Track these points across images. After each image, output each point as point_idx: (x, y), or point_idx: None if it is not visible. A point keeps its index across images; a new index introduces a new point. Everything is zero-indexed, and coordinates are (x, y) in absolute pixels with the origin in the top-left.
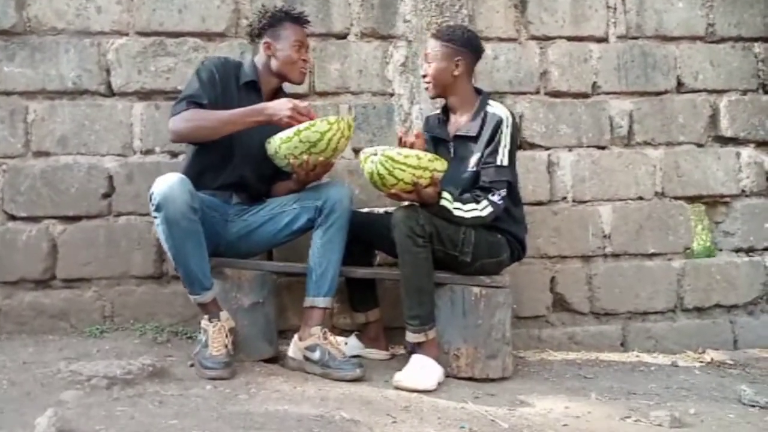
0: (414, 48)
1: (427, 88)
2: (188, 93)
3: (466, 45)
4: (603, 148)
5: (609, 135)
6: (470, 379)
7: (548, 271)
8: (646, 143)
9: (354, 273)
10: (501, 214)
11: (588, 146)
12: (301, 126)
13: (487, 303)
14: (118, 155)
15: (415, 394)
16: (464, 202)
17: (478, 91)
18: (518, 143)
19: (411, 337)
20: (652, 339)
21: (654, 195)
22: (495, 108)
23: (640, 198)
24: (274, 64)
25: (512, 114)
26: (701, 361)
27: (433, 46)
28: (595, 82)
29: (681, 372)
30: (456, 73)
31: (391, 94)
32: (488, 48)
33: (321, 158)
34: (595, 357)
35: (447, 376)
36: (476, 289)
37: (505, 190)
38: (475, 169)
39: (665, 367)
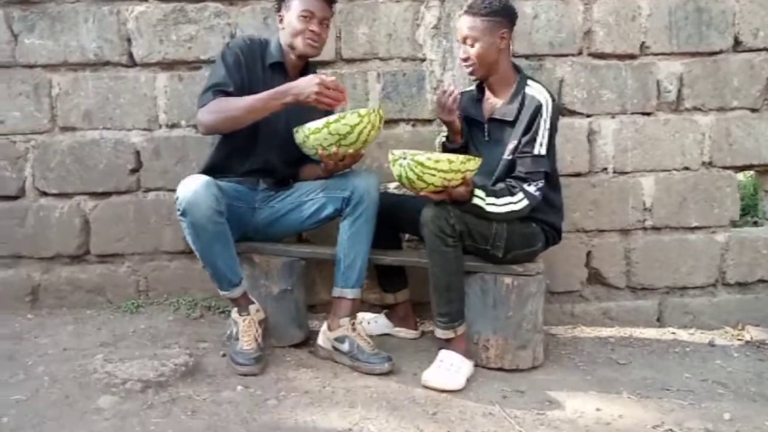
0: (447, 8)
1: (471, 72)
2: (213, 81)
3: (507, 14)
4: (648, 114)
5: (655, 100)
6: (500, 369)
7: (584, 245)
8: (696, 109)
9: (382, 260)
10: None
11: (632, 113)
12: (331, 118)
13: (518, 293)
14: (144, 129)
15: (444, 395)
16: (498, 195)
17: (516, 68)
18: (557, 127)
19: (440, 333)
20: (689, 314)
21: (701, 165)
22: (534, 90)
23: (686, 168)
24: (283, 36)
25: (552, 97)
26: (740, 339)
27: (473, 24)
28: (643, 42)
29: (717, 355)
30: (502, 46)
31: (422, 60)
32: (528, 6)
33: (350, 150)
34: (629, 334)
35: (476, 365)
36: (508, 280)
37: (542, 181)
38: (510, 156)
39: (701, 348)
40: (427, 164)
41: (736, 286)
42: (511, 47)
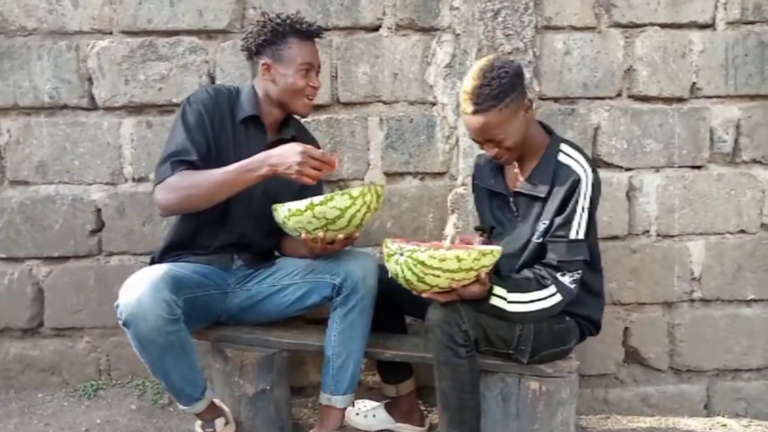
0: (463, 44)
1: (503, 163)
2: (172, 149)
3: (517, 86)
4: (699, 168)
5: (708, 151)
6: None
7: (621, 321)
8: (755, 161)
9: (382, 354)
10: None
11: (680, 166)
12: (316, 200)
13: (547, 401)
14: (107, 184)
15: None
16: (523, 290)
17: (544, 127)
18: (598, 203)
19: None
20: (742, 401)
21: (760, 227)
22: (570, 159)
23: (742, 231)
24: (273, 91)
25: (593, 168)
26: None
27: (493, 120)
28: (694, 83)
29: None
30: (529, 117)
31: (433, 104)
32: (558, 40)
33: (341, 235)
34: (672, 425)
35: None
36: (534, 385)
37: (579, 272)
38: (541, 240)
39: None
40: (430, 263)
41: None
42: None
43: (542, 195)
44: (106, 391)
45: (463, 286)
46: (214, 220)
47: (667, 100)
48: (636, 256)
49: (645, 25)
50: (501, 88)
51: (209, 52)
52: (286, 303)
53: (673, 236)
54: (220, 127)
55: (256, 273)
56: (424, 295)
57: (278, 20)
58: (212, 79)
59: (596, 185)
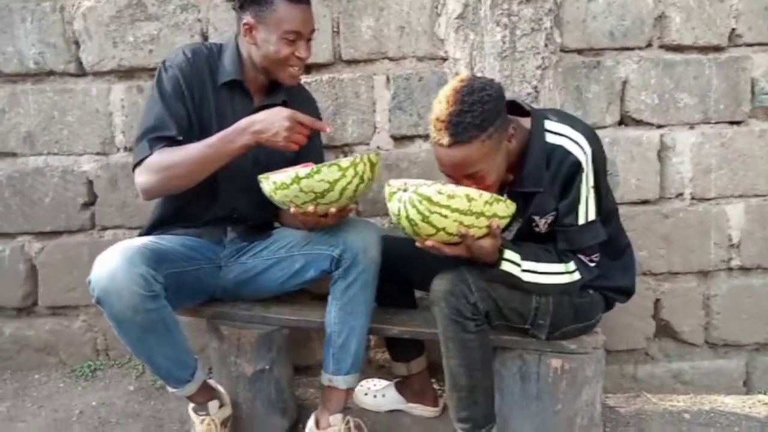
0: None
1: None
2: (148, 124)
3: (501, 111)
4: (738, 123)
5: (749, 105)
6: None
7: (651, 291)
8: None
9: (389, 330)
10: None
11: (717, 122)
12: (301, 172)
13: (571, 380)
14: (97, 154)
15: None
16: (540, 259)
17: (520, 110)
18: (605, 168)
19: None
20: None
21: None
22: (560, 137)
23: None
24: (255, 55)
25: (589, 133)
26: None
27: (472, 155)
28: (733, 30)
29: None
30: (512, 145)
31: (444, 59)
32: None
33: (333, 208)
34: (708, 405)
35: None
36: (556, 362)
37: (597, 254)
38: (546, 230)
39: None
40: (437, 200)
41: None
42: (509, 126)
43: (540, 189)
44: (103, 371)
45: (474, 238)
46: (203, 194)
47: (703, 50)
48: (668, 222)
49: None
50: (484, 115)
51: (201, 10)
52: (283, 277)
53: (709, 199)
54: (200, 93)
55: (251, 246)
56: (428, 244)
57: None
58: (205, 39)
59: (597, 152)
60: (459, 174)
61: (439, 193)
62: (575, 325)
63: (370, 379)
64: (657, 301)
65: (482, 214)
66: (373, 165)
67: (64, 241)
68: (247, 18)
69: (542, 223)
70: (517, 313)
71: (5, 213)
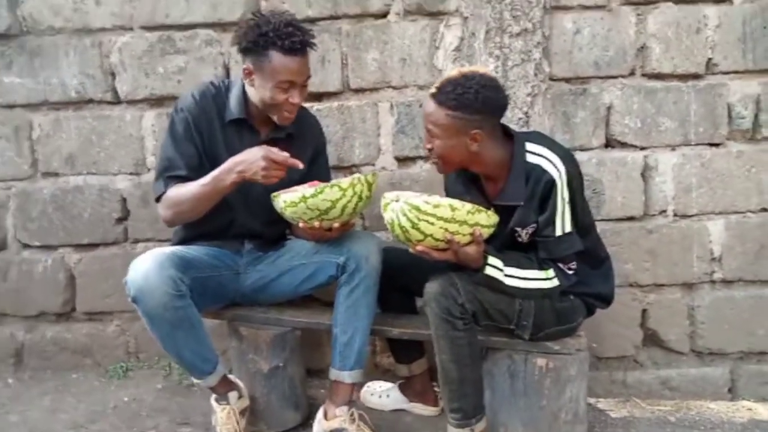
0: (471, 27)
1: (435, 164)
2: (164, 164)
3: (483, 111)
4: (717, 145)
5: (726, 128)
6: None
7: (638, 302)
8: None
9: (390, 332)
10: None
11: (697, 144)
12: (307, 192)
13: (555, 378)
14: (131, 174)
15: None
16: (522, 266)
17: (507, 133)
18: (581, 185)
19: None
20: None
21: None
22: (538, 158)
23: (764, 210)
24: (254, 97)
25: (564, 159)
26: None
27: (435, 116)
28: (710, 59)
29: None
30: (473, 148)
31: None
32: (568, 20)
33: (336, 224)
34: (694, 410)
35: None
36: (541, 361)
37: (575, 262)
38: (527, 240)
39: None
40: (424, 209)
41: None
42: (497, 134)
43: (521, 203)
44: (134, 372)
45: (460, 245)
46: (220, 218)
47: (682, 77)
48: (653, 237)
49: (657, 1)
50: (462, 101)
51: (224, 45)
52: (295, 283)
53: (691, 216)
54: (209, 132)
55: (266, 255)
56: (419, 249)
57: (261, 30)
58: (227, 70)
59: (572, 172)
60: (424, 123)
61: (426, 203)
62: (557, 327)
63: (376, 382)
64: (644, 311)
65: (465, 222)
66: (369, 185)
67: (100, 252)
68: (247, 64)
69: (524, 234)
70: (502, 314)
71: (48, 227)
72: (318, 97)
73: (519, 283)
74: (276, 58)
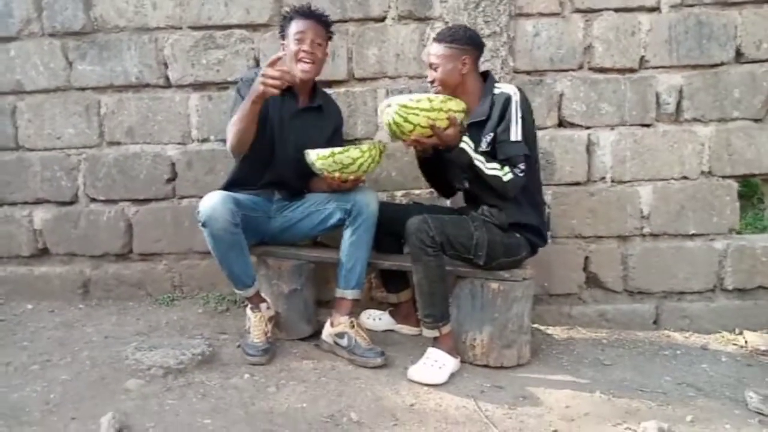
0: None
1: (438, 92)
2: (232, 114)
3: (470, 42)
4: (647, 126)
5: (654, 112)
6: (485, 366)
7: (582, 251)
8: (696, 120)
9: (382, 264)
10: (520, 202)
11: (631, 125)
12: (336, 149)
13: (504, 297)
14: (178, 144)
15: (425, 388)
16: (486, 160)
17: (484, 76)
18: (533, 120)
19: (426, 332)
20: (686, 318)
21: (700, 174)
22: (502, 88)
23: (685, 178)
24: (287, 64)
25: (521, 91)
26: (735, 344)
27: (437, 50)
28: (642, 57)
29: (706, 359)
30: (464, 71)
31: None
32: (529, 24)
33: (352, 177)
34: (623, 336)
35: (464, 362)
36: (494, 285)
37: (524, 164)
38: (488, 148)
39: (692, 352)
40: (410, 105)
41: (735, 292)
42: (478, 68)
43: (484, 117)
44: (179, 301)
45: (442, 129)
46: (260, 166)
47: (620, 71)
48: (594, 199)
49: (601, 9)
50: (455, 36)
51: (255, 42)
52: (314, 224)
53: (625, 182)
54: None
55: (291, 204)
56: (413, 138)
57: (289, 14)
58: (257, 63)
59: (524, 101)
60: (428, 61)
61: (410, 100)
62: (506, 258)
63: (371, 309)
64: (586, 258)
65: (441, 109)
66: (380, 152)
67: (152, 206)
68: (283, 41)
69: (484, 143)
70: (462, 245)
71: (112, 185)
72: (329, 84)
73: (482, 166)
74: (294, 20)
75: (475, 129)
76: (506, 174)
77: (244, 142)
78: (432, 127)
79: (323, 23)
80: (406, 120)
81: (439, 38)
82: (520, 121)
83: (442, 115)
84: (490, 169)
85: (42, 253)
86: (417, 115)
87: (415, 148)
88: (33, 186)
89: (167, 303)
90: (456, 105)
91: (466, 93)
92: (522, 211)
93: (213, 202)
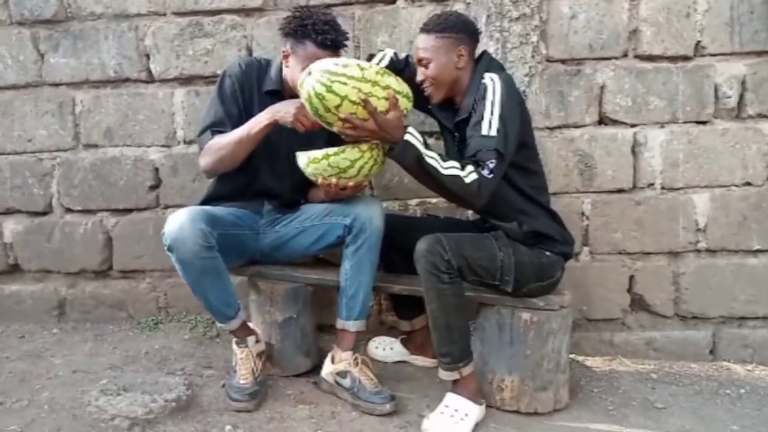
0: (473, 12)
1: (429, 95)
2: (210, 120)
3: (464, 30)
4: (704, 123)
5: (712, 107)
6: (516, 412)
7: (626, 269)
8: (761, 116)
9: (391, 288)
10: (525, 210)
11: (684, 122)
12: (331, 150)
13: (538, 331)
14: (162, 146)
15: None
16: (440, 159)
17: (479, 62)
18: (524, 110)
19: (443, 375)
20: (748, 348)
21: (766, 180)
22: (487, 77)
23: (748, 184)
24: (287, 75)
25: (505, 75)
26: None
27: (426, 43)
28: (698, 42)
29: None
30: (460, 65)
31: None
32: (564, 5)
33: (351, 183)
34: (675, 369)
35: (489, 407)
36: (526, 315)
37: (494, 161)
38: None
39: (760, 390)
40: (334, 70)
41: None
42: (474, 63)
43: (467, 114)
44: (164, 325)
45: (381, 112)
46: (245, 177)
47: (672, 59)
48: (641, 208)
49: None
50: (447, 24)
51: (247, 28)
52: (310, 242)
53: (677, 189)
54: (249, 96)
55: (283, 217)
56: (342, 117)
57: (303, 22)
58: (250, 52)
59: (506, 85)
60: (417, 57)
61: (335, 64)
62: (539, 283)
63: (381, 336)
64: (631, 277)
65: (377, 83)
66: (384, 151)
67: (134, 217)
68: (287, 47)
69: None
70: (485, 269)
71: (88, 193)
72: None
73: (437, 165)
74: (309, 47)
75: (462, 128)
76: (468, 174)
77: (229, 166)
78: (366, 104)
79: (341, 48)
80: (329, 90)
81: (428, 28)
82: (497, 111)
83: (378, 92)
84: (447, 168)
85: (13, 270)
86: (344, 84)
87: (347, 139)
88: (2, 194)
89: (150, 327)
90: (397, 84)
91: (462, 92)
92: (535, 220)
93: (180, 222)
